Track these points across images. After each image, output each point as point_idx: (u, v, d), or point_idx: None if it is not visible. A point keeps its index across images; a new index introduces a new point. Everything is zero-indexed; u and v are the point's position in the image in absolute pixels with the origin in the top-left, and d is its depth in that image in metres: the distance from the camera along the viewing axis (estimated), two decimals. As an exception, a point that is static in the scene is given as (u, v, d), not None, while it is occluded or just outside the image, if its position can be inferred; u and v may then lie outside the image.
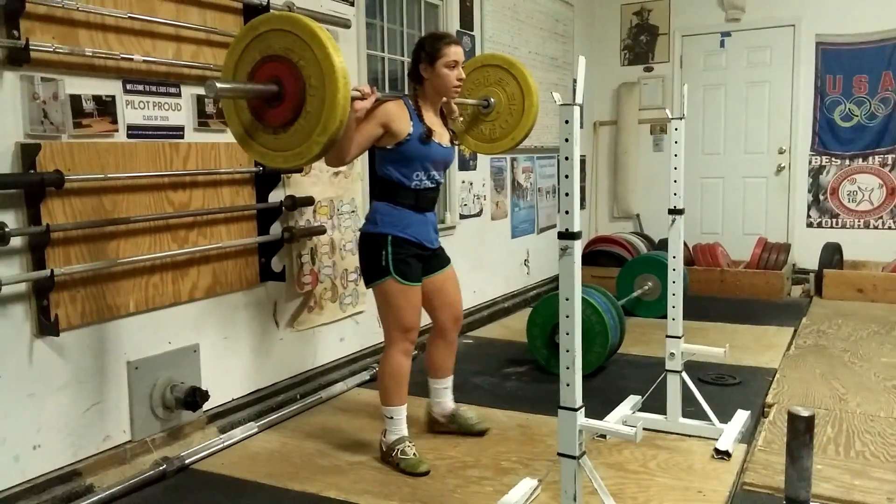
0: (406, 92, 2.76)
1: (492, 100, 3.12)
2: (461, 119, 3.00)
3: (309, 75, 2.03)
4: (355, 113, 2.35)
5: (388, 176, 2.65)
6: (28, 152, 2.27)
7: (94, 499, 2.39)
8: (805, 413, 1.49)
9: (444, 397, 2.97)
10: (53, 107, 2.35)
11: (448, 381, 2.97)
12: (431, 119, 2.70)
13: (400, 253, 2.62)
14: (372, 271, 2.66)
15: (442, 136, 2.73)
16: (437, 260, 2.82)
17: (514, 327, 4.69)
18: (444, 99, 2.75)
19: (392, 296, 2.64)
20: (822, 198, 6.19)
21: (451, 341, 2.93)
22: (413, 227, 2.66)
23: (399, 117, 2.58)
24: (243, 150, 2.23)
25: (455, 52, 2.65)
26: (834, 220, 6.17)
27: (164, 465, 2.61)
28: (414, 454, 2.62)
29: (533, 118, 3.08)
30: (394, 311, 2.66)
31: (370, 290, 2.73)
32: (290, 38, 2.05)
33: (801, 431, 1.50)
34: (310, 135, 2.06)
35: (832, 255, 5.79)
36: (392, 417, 2.68)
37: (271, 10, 3.09)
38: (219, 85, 2.00)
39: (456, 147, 2.83)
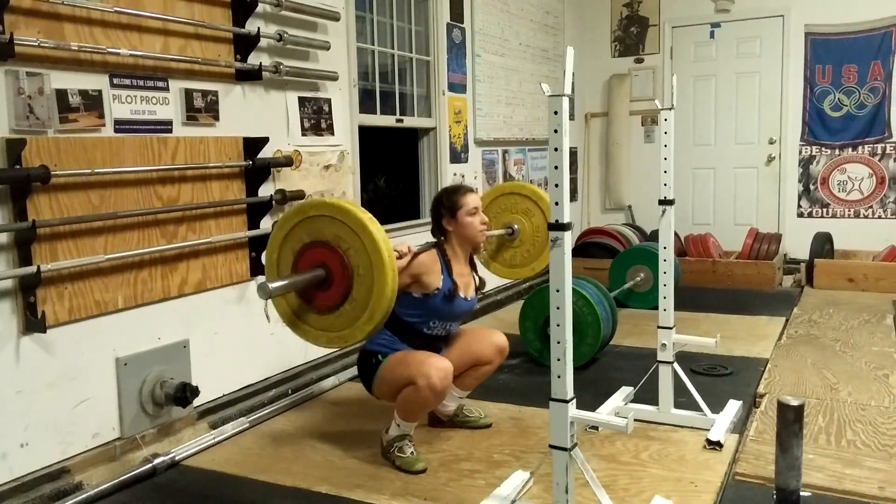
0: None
1: (515, 227, 3.22)
2: (485, 252, 3.06)
3: (357, 264, 2.09)
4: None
5: (402, 316, 2.63)
6: (13, 147, 2.25)
7: (83, 496, 2.38)
8: (794, 402, 1.49)
9: (453, 403, 2.94)
10: (39, 101, 2.33)
11: (465, 394, 2.94)
12: (461, 270, 2.73)
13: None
14: (368, 372, 2.67)
15: (468, 287, 2.76)
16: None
17: (506, 319, 4.69)
18: (473, 247, 2.78)
19: (392, 369, 2.58)
20: (812, 188, 6.21)
21: (486, 371, 2.85)
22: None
23: (431, 271, 2.61)
24: (291, 329, 2.27)
25: (473, 200, 2.71)
26: (824, 210, 6.19)
27: (155, 462, 2.59)
28: (412, 452, 2.60)
29: None
30: (405, 370, 2.53)
31: (373, 388, 2.70)
32: (339, 226, 2.10)
33: (790, 421, 1.50)
34: (355, 320, 2.12)
35: (823, 244, 5.81)
36: (401, 426, 2.63)
37: (259, 3, 3.07)
38: (271, 286, 2.05)
39: (477, 296, 2.87)
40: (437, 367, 2.49)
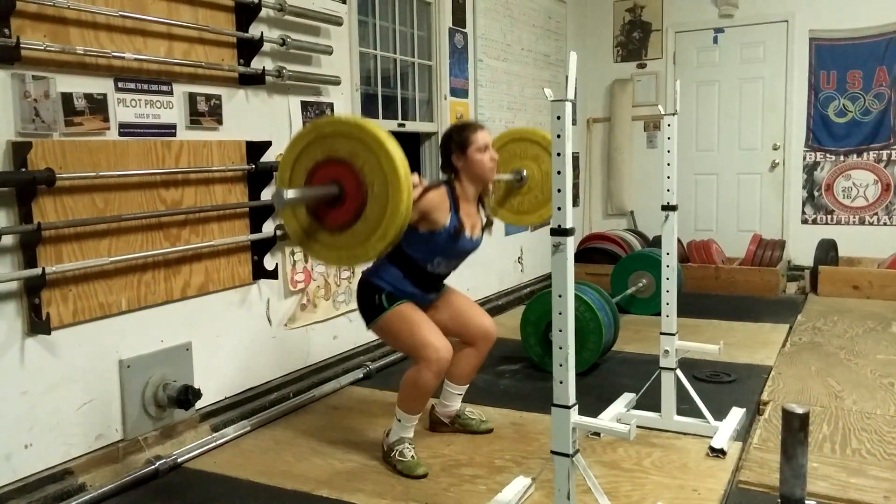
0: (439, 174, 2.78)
1: (524, 172, 3.15)
2: (493, 197, 3.02)
3: (372, 182, 2.04)
4: None
5: (408, 250, 2.63)
6: (19, 150, 2.26)
7: (86, 498, 2.38)
8: (800, 410, 1.48)
9: (454, 401, 2.95)
10: (45, 105, 2.34)
11: (463, 389, 2.94)
12: (468, 209, 2.71)
13: (395, 295, 2.63)
14: (368, 312, 2.67)
15: (475, 227, 2.74)
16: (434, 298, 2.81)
17: (507, 325, 4.68)
18: (483, 187, 2.76)
19: (394, 324, 2.61)
20: (816, 194, 6.20)
21: (480, 352, 2.88)
22: (412, 297, 2.67)
23: (439, 207, 2.59)
24: (301, 248, 2.24)
25: (483, 137, 2.69)
26: (829, 217, 6.18)
27: (157, 464, 2.60)
28: (412, 456, 2.60)
29: None
30: (405, 336, 2.60)
31: (373, 331, 2.72)
32: (355, 143, 2.05)
33: (795, 429, 1.49)
34: (367, 238, 2.08)
35: (827, 251, 5.79)
36: (400, 421, 2.65)
37: (263, 7, 3.09)
38: (286, 195, 2.00)
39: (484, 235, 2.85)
40: (437, 347, 2.53)
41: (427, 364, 2.53)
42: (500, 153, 3.08)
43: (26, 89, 2.29)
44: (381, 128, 2.07)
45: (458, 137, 2.68)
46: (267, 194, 3.20)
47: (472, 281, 4.90)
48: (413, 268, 2.66)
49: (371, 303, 2.65)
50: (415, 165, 4.70)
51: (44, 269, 2.30)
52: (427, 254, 2.65)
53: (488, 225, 2.83)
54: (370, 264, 2.69)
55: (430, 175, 4.65)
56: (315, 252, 2.21)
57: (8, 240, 2.26)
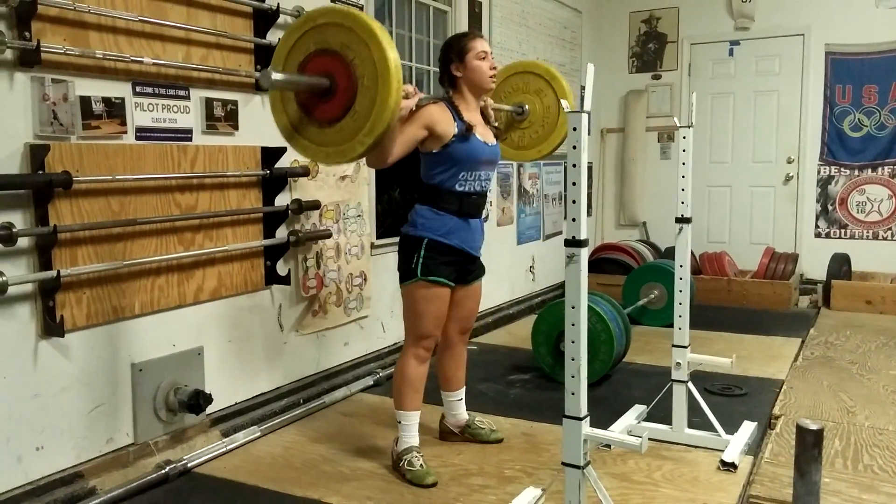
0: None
1: (526, 106, 3.12)
2: (496, 124, 2.97)
3: (362, 74, 2.01)
4: (399, 111, 2.31)
5: (432, 180, 2.63)
6: (37, 153, 2.27)
7: (97, 501, 2.38)
8: (814, 426, 1.47)
9: (457, 409, 2.95)
10: (63, 108, 2.36)
11: (460, 393, 2.95)
12: (473, 118, 2.69)
13: (433, 258, 2.61)
14: (403, 271, 2.67)
15: (486, 134, 2.71)
16: (472, 272, 2.80)
17: (518, 334, 4.68)
18: (483, 99, 2.74)
19: (416, 300, 2.64)
20: (830, 208, 6.16)
21: (458, 353, 2.92)
22: (455, 233, 2.64)
23: (443, 119, 2.57)
24: (288, 143, 2.21)
25: (482, 44, 2.67)
26: (842, 231, 6.14)
27: (167, 469, 2.60)
28: (421, 465, 2.60)
29: (564, 134, 3.06)
30: (414, 316, 2.66)
31: (400, 290, 2.73)
32: (347, 34, 2.02)
33: (809, 445, 1.48)
34: (355, 134, 2.04)
35: (840, 265, 5.75)
36: (401, 422, 2.66)
37: (280, 14, 3.11)
38: (274, 76, 1.97)
39: (499, 144, 2.81)
40: (424, 335, 2.65)
41: (412, 347, 2.65)
42: (502, 86, 3.07)
43: (45, 92, 2.31)
44: (376, 21, 2.04)
45: (457, 45, 2.66)
46: (281, 200, 3.22)
47: (483, 289, 4.88)
48: (443, 195, 2.62)
49: (408, 262, 2.63)
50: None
51: (59, 271, 2.31)
52: (449, 172, 2.61)
53: (499, 134, 2.82)
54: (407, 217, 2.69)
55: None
56: (303, 148, 2.17)
57: (24, 242, 2.27)
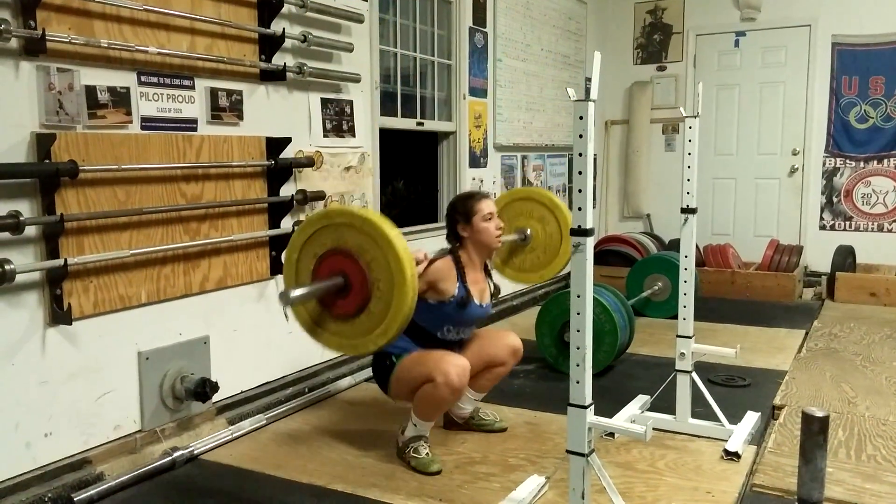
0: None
1: (529, 231, 3.20)
2: (497, 256, 3.06)
3: (378, 278, 2.06)
4: None
5: (416, 320, 2.55)
6: (43, 142, 2.29)
7: (104, 487, 2.41)
8: (819, 414, 1.48)
9: (468, 405, 2.95)
10: (69, 97, 2.36)
11: (480, 396, 2.94)
12: (475, 277, 2.74)
13: (408, 349, 2.64)
14: (383, 377, 2.68)
15: (483, 293, 2.76)
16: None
17: (522, 325, 4.68)
18: (488, 253, 2.79)
19: (406, 368, 2.60)
20: (835, 200, 6.15)
21: (508, 367, 2.87)
22: None
23: (447, 278, 2.62)
24: (308, 335, 2.24)
25: (488, 206, 2.72)
26: (847, 223, 6.12)
27: (174, 455, 2.62)
28: (427, 453, 2.61)
29: (566, 261, 3.10)
30: (417, 371, 2.56)
31: (391, 396, 2.72)
32: (364, 237, 2.07)
33: (814, 432, 1.49)
34: (370, 332, 2.10)
35: (845, 257, 5.74)
36: (416, 426, 2.64)
37: (285, 3, 3.10)
38: (293, 294, 2.04)
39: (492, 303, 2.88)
40: (454, 364, 2.51)
41: (443, 381, 2.49)
42: (505, 210, 3.14)
43: (51, 81, 2.32)
44: (392, 225, 2.08)
45: (463, 208, 2.72)
46: (286, 190, 3.22)
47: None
48: (424, 336, 2.68)
49: (383, 368, 2.67)
50: (432, 164, 4.72)
51: (66, 260, 2.33)
52: (437, 322, 2.68)
53: (496, 292, 2.88)
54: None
55: (445, 178, 4.65)
56: (324, 340, 2.22)
57: (31, 230, 2.29)
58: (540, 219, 3.20)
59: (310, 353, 3.47)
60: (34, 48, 2.25)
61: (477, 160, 4.83)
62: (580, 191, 1.90)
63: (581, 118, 1.87)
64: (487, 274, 2.85)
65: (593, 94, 1.87)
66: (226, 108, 2.95)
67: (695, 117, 2.81)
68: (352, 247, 2.10)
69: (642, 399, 3.18)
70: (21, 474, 2.30)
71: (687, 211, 2.85)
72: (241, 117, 3.02)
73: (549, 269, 3.21)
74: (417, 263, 2.40)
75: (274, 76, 3.12)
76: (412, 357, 2.62)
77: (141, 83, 2.62)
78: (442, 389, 2.50)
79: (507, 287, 5.33)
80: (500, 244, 2.81)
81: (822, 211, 6.20)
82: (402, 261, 2.03)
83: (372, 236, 2.07)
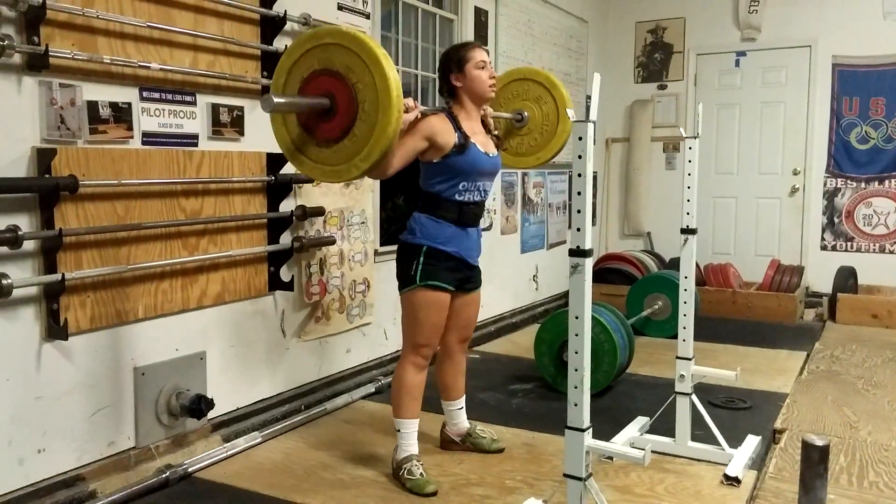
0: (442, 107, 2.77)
1: (525, 113, 3.11)
2: (497, 132, 2.97)
3: (364, 99, 2.03)
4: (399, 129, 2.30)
5: (431, 188, 2.64)
6: (44, 157, 2.29)
7: (97, 505, 2.38)
8: (820, 442, 1.46)
9: (458, 418, 2.95)
10: (70, 112, 2.37)
11: (460, 402, 2.95)
12: (473, 127, 2.69)
13: (432, 264, 2.61)
14: (402, 279, 2.67)
15: (486, 144, 2.72)
16: (471, 281, 2.78)
17: (521, 343, 4.66)
18: (483, 108, 2.75)
19: (415, 307, 2.64)
20: (836, 220, 6.14)
21: (457, 362, 2.91)
22: (453, 241, 2.64)
23: (443, 130, 2.58)
24: (289, 159, 2.23)
25: (481, 54, 2.68)
26: (849, 244, 6.11)
27: (168, 473, 2.60)
28: (421, 474, 2.59)
29: (563, 142, 3.07)
30: (413, 325, 2.66)
31: (399, 298, 2.72)
32: (352, 58, 2.04)
33: (815, 461, 1.47)
34: (352, 157, 2.07)
35: (846, 278, 5.73)
36: (400, 430, 2.66)
37: (287, 21, 3.12)
38: (275, 100, 2.00)
39: (500, 154, 2.82)
40: (422, 344, 2.65)
41: (410, 355, 2.66)
42: (502, 92, 3.06)
43: (53, 96, 2.32)
44: (381, 46, 2.05)
45: (457, 55, 2.67)
46: (285, 206, 3.22)
47: (486, 298, 4.87)
48: (442, 204, 2.63)
49: (407, 269, 2.64)
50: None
51: (63, 274, 2.32)
52: (449, 182, 2.62)
53: (500, 143, 2.82)
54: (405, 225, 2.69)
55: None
56: (300, 164, 2.19)
57: (29, 245, 2.28)
58: (536, 99, 3.10)
59: (306, 370, 3.45)
60: (37, 63, 2.26)
61: (478, 177, 4.82)
62: (579, 211, 1.89)
63: (580, 138, 1.86)
64: (487, 130, 2.78)
65: (592, 115, 1.87)
66: (227, 124, 2.95)
67: (694, 138, 2.81)
68: (339, 67, 2.05)
69: (641, 421, 3.15)
70: (13, 491, 2.28)
71: (687, 231, 2.85)
72: (241, 133, 3.02)
73: (546, 150, 3.11)
74: (406, 110, 2.34)
75: (275, 92, 3.12)
76: (427, 300, 2.61)
77: (143, 99, 2.63)
78: (409, 363, 2.67)
79: (507, 304, 5.33)
80: (493, 94, 2.74)
81: (823, 231, 6.19)
82: (389, 81, 1.98)
83: (360, 56, 2.02)
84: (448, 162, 2.59)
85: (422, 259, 2.60)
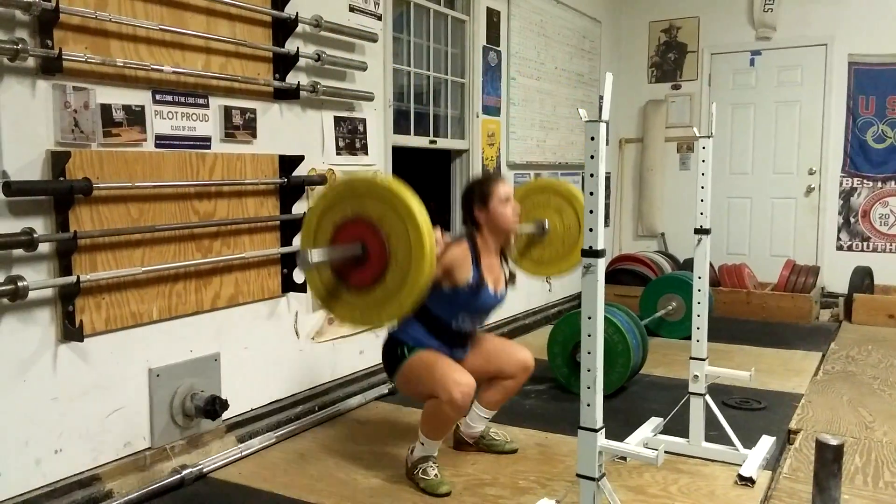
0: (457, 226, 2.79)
1: (546, 224, 3.15)
2: (514, 246, 3.02)
3: (396, 249, 2.04)
4: None
5: (431, 309, 2.63)
6: (58, 160, 2.31)
7: (113, 504, 2.40)
8: (834, 442, 1.45)
9: (479, 423, 2.92)
10: (84, 115, 2.39)
11: (491, 413, 2.90)
12: (491, 263, 2.71)
13: (420, 341, 2.64)
14: (390, 365, 2.68)
15: (497, 281, 2.73)
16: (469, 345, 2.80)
17: (534, 344, 4.63)
18: (505, 239, 2.77)
19: (415, 369, 2.59)
20: (852, 220, 6.08)
21: (507, 387, 2.83)
22: (440, 350, 2.66)
23: (462, 265, 2.60)
24: (323, 307, 2.25)
25: (505, 190, 2.70)
26: (865, 244, 6.05)
27: (183, 473, 2.62)
28: (436, 475, 2.58)
29: None
30: (425, 378, 2.55)
31: (397, 385, 2.73)
32: (386, 208, 2.05)
33: (829, 461, 1.46)
34: (384, 305, 2.09)
35: (862, 279, 5.67)
36: (423, 444, 2.63)
37: (299, 22, 3.13)
38: (312, 257, 2.02)
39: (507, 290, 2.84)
40: (459, 382, 2.48)
41: (446, 399, 2.47)
42: (523, 203, 3.09)
43: (67, 100, 2.35)
44: (414, 196, 2.06)
45: (480, 191, 2.70)
46: (298, 208, 3.23)
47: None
48: (438, 325, 2.66)
49: (394, 356, 2.66)
50: (445, 182, 4.72)
51: (78, 277, 2.34)
52: (451, 310, 2.66)
53: (511, 279, 2.84)
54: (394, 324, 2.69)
55: (458, 196, 4.65)
56: (337, 312, 2.21)
57: (45, 247, 2.30)
58: (557, 209, 3.14)
59: (320, 371, 3.47)
60: (51, 67, 2.28)
61: (490, 178, 4.82)
62: (591, 211, 1.88)
63: (592, 139, 1.86)
64: (504, 260, 2.81)
65: (605, 115, 1.86)
66: (239, 126, 2.97)
67: (708, 137, 2.80)
68: (372, 215, 2.07)
69: (655, 421, 3.14)
70: (30, 491, 2.30)
71: (700, 231, 2.83)
72: (254, 135, 3.04)
73: (567, 262, 3.14)
74: (435, 242, 2.36)
75: (288, 94, 3.15)
76: (422, 358, 2.58)
77: (156, 101, 2.65)
78: (444, 408, 2.48)
79: (520, 305, 5.32)
80: (517, 229, 2.77)
81: (839, 231, 6.13)
82: (423, 232, 2.00)
83: (393, 206, 2.03)
84: (456, 294, 2.61)
85: (406, 348, 2.62)
